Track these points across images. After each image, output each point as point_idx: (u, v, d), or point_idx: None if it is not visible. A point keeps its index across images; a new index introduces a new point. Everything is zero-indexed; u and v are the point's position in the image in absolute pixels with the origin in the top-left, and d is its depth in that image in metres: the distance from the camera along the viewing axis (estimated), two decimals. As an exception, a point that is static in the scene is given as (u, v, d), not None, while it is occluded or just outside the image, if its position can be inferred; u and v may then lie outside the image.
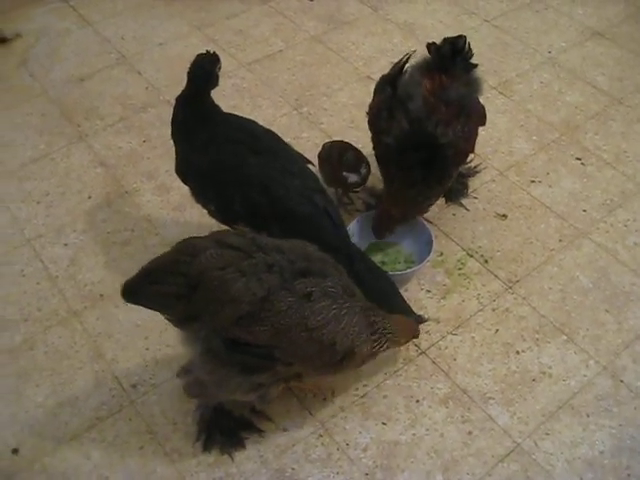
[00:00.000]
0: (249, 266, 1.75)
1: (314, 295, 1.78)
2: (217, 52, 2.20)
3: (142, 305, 1.86)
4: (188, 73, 2.18)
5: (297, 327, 1.76)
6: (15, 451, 2.08)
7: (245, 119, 2.26)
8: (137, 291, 1.83)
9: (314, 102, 3.09)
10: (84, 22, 3.51)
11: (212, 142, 2.15)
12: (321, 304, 1.79)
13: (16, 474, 2.03)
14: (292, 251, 1.83)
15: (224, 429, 2.07)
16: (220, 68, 2.20)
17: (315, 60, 3.31)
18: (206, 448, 2.06)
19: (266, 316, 1.73)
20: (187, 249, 1.81)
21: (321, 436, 2.08)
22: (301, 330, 1.77)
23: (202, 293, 1.74)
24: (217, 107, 2.23)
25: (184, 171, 2.22)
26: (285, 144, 2.23)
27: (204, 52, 2.20)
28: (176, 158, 2.24)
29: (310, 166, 2.26)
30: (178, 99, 2.23)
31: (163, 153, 2.83)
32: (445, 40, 2.31)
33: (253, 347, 1.77)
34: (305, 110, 3.06)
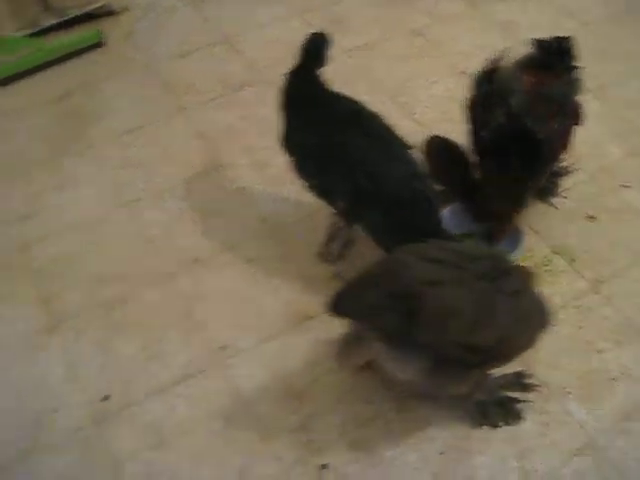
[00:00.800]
0: (460, 277, 1.81)
1: (520, 292, 1.87)
2: (317, 37, 2.31)
3: (350, 318, 1.96)
4: (301, 49, 2.30)
5: (517, 323, 1.85)
6: (106, 398, 2.24)
7: (353, 100, 2.37)
8: (346, 304, 1.91)
9: (410, 93, 3.19)
10: (189, 1, 3.68)
11: (319, 118, 2.26)
12: (526, 298, 1.89)
13: (105, 420, 2.18)
14: (481, 254, 1.90)
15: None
16: (329, 48, 2.32)
17: (413, 52, 3.41)
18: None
19: (489, 322, 1.81)
20: (395, 264, 1.88)
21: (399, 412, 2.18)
22: (519, 325, 1.86)
23: (418, 309, 1.79)
24: (326, 85, 2.35)
25: (289, 144, 2.34)
26: (390, 128, 2.33)
27: (318, 31, 2.32)
28: (283, 131, 2.37)
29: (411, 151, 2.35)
30: (289, 74, 2.35)
31: (261, 131, 2.96)
32: (553, 38, 2.38)
33: (473, 353, 1.84)
34: (401, 100, 3.16)
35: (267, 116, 2.94)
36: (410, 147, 2.36)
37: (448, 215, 2.55)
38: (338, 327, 2.13)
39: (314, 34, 2.31)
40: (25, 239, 2.68)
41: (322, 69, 2.34)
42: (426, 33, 3.52)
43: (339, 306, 1.91)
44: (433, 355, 1.85)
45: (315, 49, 2.29)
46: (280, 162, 2.71)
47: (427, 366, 1.87)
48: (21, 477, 2.08)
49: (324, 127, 2.26)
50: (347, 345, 2.07)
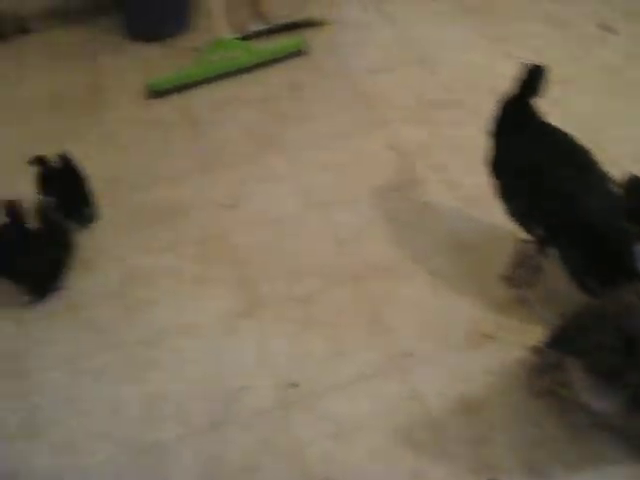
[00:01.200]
0: None
1: None
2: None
3: (571, 355, 2.04)
4: (517, 79, 2.41)
5: None
6: (292, 385, 2.40)
7: (563, 131, 2.46)
8: (567, 339, 2.02)
9: (602, 130, 3.23)
10: (387, 19, 3.85)
11: (530, 145, 2.37)
12: None
13: (290, 406, 2.34)
14: None
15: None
16: (545, 80, 2.42)
17: (609, 90, 3.45)
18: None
19: None
20: (622, 306, 1.95)
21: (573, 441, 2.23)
22: None
23: None
24: (539, 115, 2.45)
25: (498, 168, 2.45)
26: (597, 162, 2.40)
27: (534, 63, 2.42)
28: (491, 154, 2.48)
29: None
30: (504, 102, 2.46)
31: (454, 150, 3.07)
32: None
33: None
34: (595, 136, 3.20)
35: (459, 137, 3.08)
36: (613, 182, 2.42)
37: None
38: (516, 350, 2.22)
39: (532, 65, 2.40)
40: (227, 226, 2.91)
41: (536, 99, 2.44)
42: (623, 71, 3.54)
43: (560, 343, 1.99)
44: (637, 393, 1.91)
45: (532, 80, 2.39)
46: (470, 182, 2.83)
47: (629, 402, 1.93)
48: (211, 445, 2.28)
49: (534, 155, 2.35)
50: (539, 370, 2.15)
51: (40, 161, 2.90)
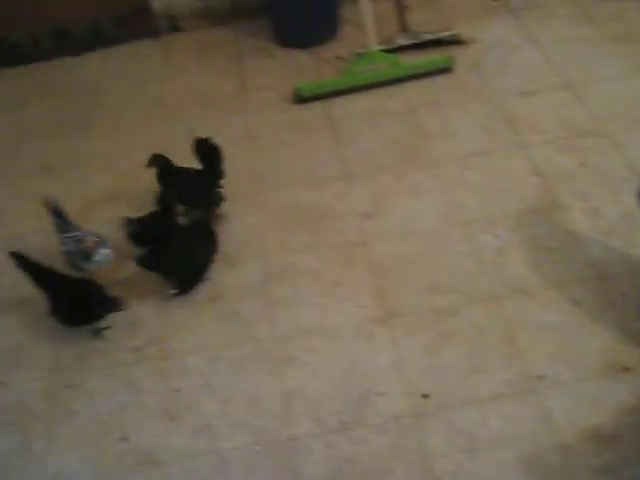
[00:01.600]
0: None
1: None
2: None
3: None
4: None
5: None
6: (425, 396, 2.48)
7: None
8: None
9: None
10: (534, 42, 3.89)
11: None
12: None
13: (423, 415, 2.42)
14: None
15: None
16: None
17: None
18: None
19: None
20: None
21: None
22: None
23: None
24: None
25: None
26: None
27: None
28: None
29: None
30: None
31: (597, 179, 3.09)
32: None
33: None
34: None
35: (605, 166, 3.10)
36: None
37: None
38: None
39: None
40: (367, 234, 3.01)
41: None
42: None
43: None
44: None
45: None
46: (613, 213, 2.85)
47: None
48: (342, 444, 2.39)
49: None
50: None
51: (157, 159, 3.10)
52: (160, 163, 3.08)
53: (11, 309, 2.96)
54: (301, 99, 3.64)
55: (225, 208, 3.04)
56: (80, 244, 2.85)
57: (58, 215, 2.89)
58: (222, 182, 3.15)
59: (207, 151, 3.09)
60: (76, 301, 2.73)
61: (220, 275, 2.95)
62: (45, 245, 3.12)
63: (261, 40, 4.19)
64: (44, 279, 2.76)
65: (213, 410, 2.53)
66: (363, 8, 3.50)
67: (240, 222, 3.13)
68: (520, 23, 4.01)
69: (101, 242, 2.86)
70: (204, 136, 3.08)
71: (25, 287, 2.78)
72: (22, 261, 2.73)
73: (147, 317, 2.85)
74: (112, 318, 2.78)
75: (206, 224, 2.98)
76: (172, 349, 2.73)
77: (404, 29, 3.85)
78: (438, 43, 3.86)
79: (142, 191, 3.32)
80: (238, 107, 3.76)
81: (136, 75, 4.11)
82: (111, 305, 2.73)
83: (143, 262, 2.84)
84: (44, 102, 4.02)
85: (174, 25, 4.31)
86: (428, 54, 3.82)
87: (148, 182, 3.18)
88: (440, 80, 3.69)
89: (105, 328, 2.81)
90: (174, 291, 2.89)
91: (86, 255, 2.85)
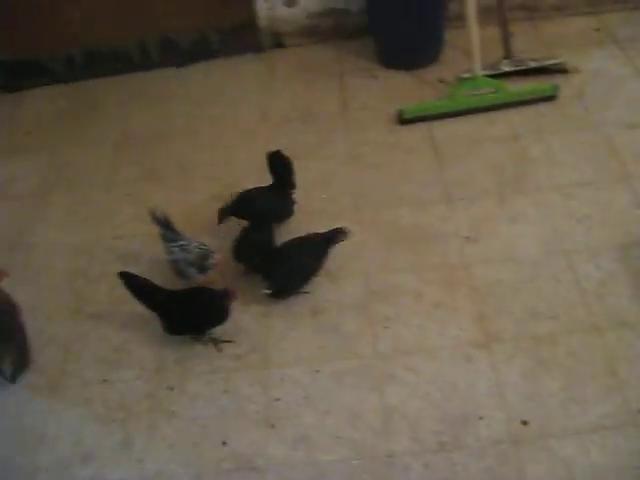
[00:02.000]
0: None
1: None
2: None
3: None
4: None
5: None
6: (525, 423, 2.52)
7: None
8: None
9: None
10: (639, 74, 3.92)
11: None
12: None
13: (522, 442, 2.47)
14: None
15: None
16: None
17: None
18: None
19: None
20: None
21: None
22: None
23: None
24: None
25: None
26: None
27: None
28: None
29: None
30: None
31: None
32: None
33: None
34: None
35: None
36: None
37: None
38: None
39: None
40: (468, 258, 3.08)
41: None
42: None
43: None
44: None
45: None
46: None
47: None
48: (440, 465, 2.44)
49: None
50: None
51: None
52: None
53: (116, 309, 3.11)
54: (404, 120, 3.73)
55: (328, 225, 3.14)
56: (188, 253, 2.98)
57: (164, 225, 3.04)
58: (294, 193, 3.29)
59: (279, 164, 3.23)
60: (188, 313, 2.87)
61: (321, 289, 3.05)
62: (149, 249, 3.28)
63: (363, 60, 4.29)
64: (151, 297, 2.89)
65: (312, 421, 2.62)
66: (471, 32, 3.58)
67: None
68: (625, 54, 4.02)
69: (209, 251, 2.99)
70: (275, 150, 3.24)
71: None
72: (130, 280, 2.87)
73: (249, 326, 2.96)
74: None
75: (314, 237, 3.07)
76: (272, 359, 2.83)
77: (508, 55, 3.90)
78: (542, 71, 3.90)
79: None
80: (341, 126, 3.86)
81: (239, 88, 4.26)
82: (221, 315, 2.85)
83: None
84: (149, 111, 4.20)
85: (278, 41, 4.45)
86: (532, 81, 3.86)
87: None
88: (543, 108, 3.73)
89: (217, 339, 2.93)
90: (267, 291, 2.97)
91: (200, 263, 2.99)
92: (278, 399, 2.70)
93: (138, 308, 2.94)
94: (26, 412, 2.80)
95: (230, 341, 2.91)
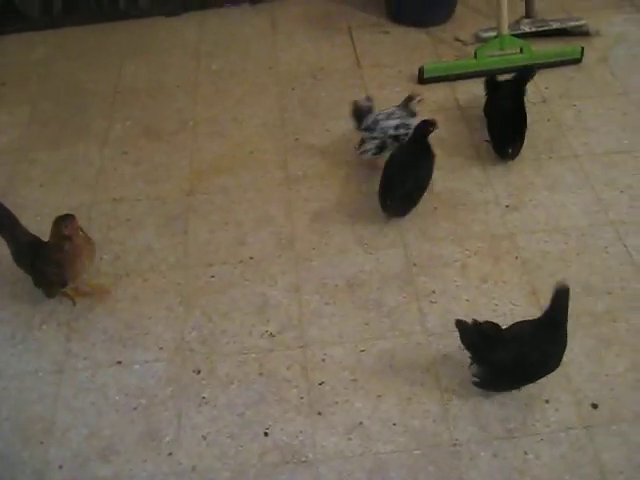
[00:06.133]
0: None
1: None
2: None
3: None
4: None
5: None
6: (594, 406, 2.28)
7: None
8: None
9: None
10: (660, 40, 3.71)
11: None
12: None
13: (594, 427, 2.22)
14: None
15: None
16: None
17: None
18: None
19: None
20: None
21: None
22: None
23: None
24: None
25: None
26: None
27: None
28: None
29: None
30: None
31: None
32: None
33: None
34: None
35: None
36: None
37: None
38: None
39: None
40: (511, 227, 2.80)
41: None
42: None
43: None
44: None
45: None
46: None
47: None
48: (509, 453, 2.17)
49: None
50: None
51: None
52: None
53: (123, 281, 2.71)
54: (425, 80, 3.40)
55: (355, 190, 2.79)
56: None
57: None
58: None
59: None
60: None
61: (357, 259, 2.72)
62: (155, 211, 2.88)
63: (372, 14, 3.95)
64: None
65: (364, 407, 2.30)
66: (499, -12, 3.27)
67: (376, 206, 2.87)
68: (645, 16, 3.80)
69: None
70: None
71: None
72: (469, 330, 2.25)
73: (279, 300, 2.60)
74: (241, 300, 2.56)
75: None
76: (310, 337, 2.49)
77: (529, 15, 3.62)
78: (566, 33, 3.64)
79: (260, 164, 3.08)
80: (357, 83, 3.51)
81: (240, 41, 3.85)
82: None
83: None
84: (140, 62, 3.76)
85: (275, -10, 4.04)
86: (553, 43, 3.59)
87: (263, 155, 2.96)
88: (568, 71, 3.47)
89: None
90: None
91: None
92: (322, 383, 2.37)
93: (150, 278, 2.55)
94: (30, 399, 2.39)
95: None
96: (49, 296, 2.63)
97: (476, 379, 2.29)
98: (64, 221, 2.43)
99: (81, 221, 2.78)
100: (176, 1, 3.99)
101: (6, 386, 2.42)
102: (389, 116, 2.94)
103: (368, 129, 2.93)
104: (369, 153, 2.95)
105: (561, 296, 2.15)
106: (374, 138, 2.92)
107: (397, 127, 2.92)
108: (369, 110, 2.95)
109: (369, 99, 3.00)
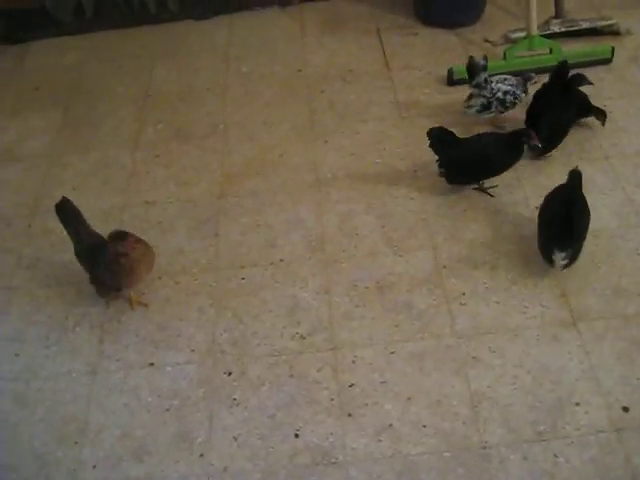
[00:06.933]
0: None
1: None
2: None
3: None
4: None
5: None
6: (625, 409, 2.27)
7: None
8: None
9: None
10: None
11: None
12: None
13: (624, 430, 2.21)
14: None
15: None
16: None
17: None
18: None
19: None
20: None
21: None
22: None
23: None
24: None
25: None
26: None
27: None
28: None
29: None
30: None
31: None
32: None
33: None
34: None
35: None
36: None
37: None
38: None
39: None
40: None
41: None
42: None
43: None
44: None
45: None
46: None
47: None
48: (539, 456, 2.17)
49: None
50: None
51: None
52: None
53: (155, 283, 2.74)
54: (454, 81, 3.40)
55: (385, 193, 2.78)
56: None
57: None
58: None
59: None
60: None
61: (386, 262, 2.73)
62: (186, 215, 2.92)
63: (400, 16, 3.95)
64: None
65: (393, 409, 2.32)
66: (528, -11, 3.26)
67: (405, 209, 2.90)
68: (680, 16, 3.76)
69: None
70: None
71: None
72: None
73: (309, 302, 2.62)
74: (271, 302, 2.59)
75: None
76: (340, 339, 2.51)
77: (559, 15, 3.60)
78: (596, 33, 3.61)
79: (290, 167, 3.11)
80: (386, 84, 3.52)
81: (269, 44, 3.88)
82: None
83: None
84: (170, 66, 3.81)
85: (309, -7, 4.07)
86: (584, 43, 3.57)
87: (293, 158, 2.97)
88: (599, 71, 3.44)
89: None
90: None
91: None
92: (352, 384, 2.39)
93: (182, 280, 2.59)
94: (64, 400, 2.43)
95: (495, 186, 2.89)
96: (102, 296, 2.67)
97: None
98: (119, 243, 2.47)
99: (113, 224, 2.87)
100: (206, 4, 4.02)
101: (41, 387, 2.46)
102: (503, 80, 3.10)
103: (478, 86, 3.08)
104: (473, 110, 3.11)
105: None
106: (482, 96, 3.07)
107: (506, 92, 3.07)
108: (483, 68, 3.09)
109: (485, 58, 3.12)
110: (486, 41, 3.67)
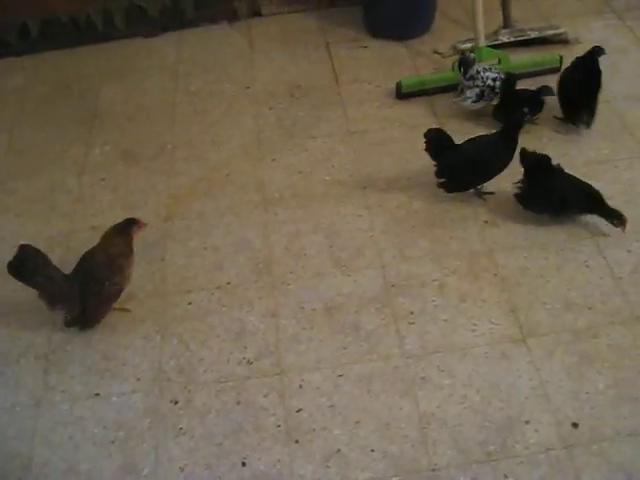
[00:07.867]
0: None
1: None
2: None
3: None
4: None
5: None
6: (575, 425, 2.26)
7: None
8: None
9: None
10: (640, 44, 3.69)
11: None
12: None
13: (574, 446, 2.20)
14: None
15: None
16: None
17: None
18: None
19: None
20: None
21: None
22: None
23: None
24: None
25: None
26: None
27: None
28: None
29: None
30: None
31: None
32: None
33: None
34: None
35: None
36: None
37: None
38: None
39: None
40: (490, 244, 2.80)
41: None
42: None
43: None
44: None
45: None
46: None
47: None
48: (488, 477, 2.15)
49: None
50: None
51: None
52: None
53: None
54: (403, 95, 3.39)
55: (334, 211, 2.76)
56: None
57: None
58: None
59: None
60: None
61: (334, 282, 2.70)
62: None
63: (350, 29, 3.94)
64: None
65: (341, 434, 2.29)
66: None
67: (354, 227, 2.88)
68: (625, 25, 3.77)
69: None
70: None
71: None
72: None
73: (256, 326, 2.59)
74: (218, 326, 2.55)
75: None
76: (287, 363, 2.48)
77: (507, 25, 3.61)
78: (543, 42, 3.63)
79: (237, 186, 3.07)
80: (335, 100, 3.50)
81: (218, 61, 3.84)
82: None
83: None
84: (118, 85, 3.76)
85: (254, 9, 4.05)
86: (533, 53, 3.58)
87: (240, 177, 2.94)
88: (547, 80, 3.43)
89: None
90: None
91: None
92: (300, 410, 2.36)
93: (128, 307, 2.55)
94: (8, 436, 2.38)
95: (492, 193, 2.92)
96: (101, 317, 2.63)
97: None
98: (133, 224, 2.59)
99: (60, 250, 2.82)
100: (154, 21, 3.97)
101: (-17, 423, 2.42)
102: (489, 69, 3.23)
103: (472, 78, 3.21)
104: (469, 101, 3.24)
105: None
106: (476, 86, 3.20)
107: (494, 79, 3.20)
108: (474, 62, 3.24)
109: (472, 50, 3.34)
110: (435, 52, 3.67)
